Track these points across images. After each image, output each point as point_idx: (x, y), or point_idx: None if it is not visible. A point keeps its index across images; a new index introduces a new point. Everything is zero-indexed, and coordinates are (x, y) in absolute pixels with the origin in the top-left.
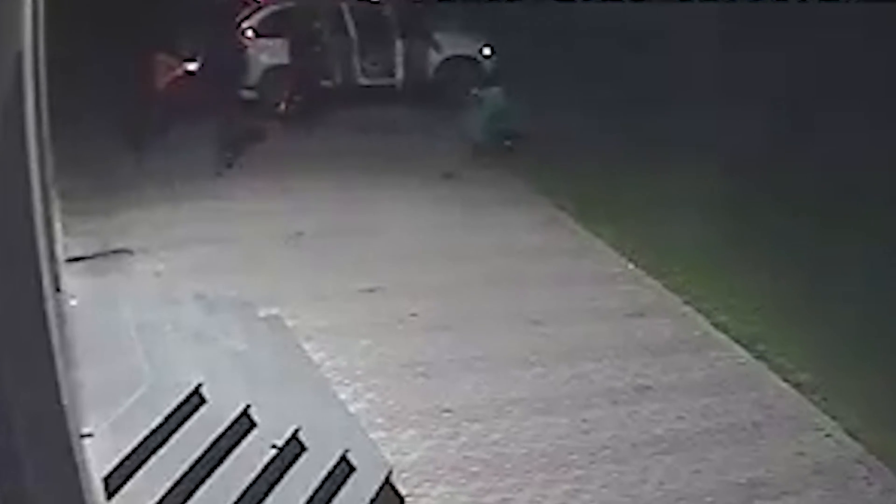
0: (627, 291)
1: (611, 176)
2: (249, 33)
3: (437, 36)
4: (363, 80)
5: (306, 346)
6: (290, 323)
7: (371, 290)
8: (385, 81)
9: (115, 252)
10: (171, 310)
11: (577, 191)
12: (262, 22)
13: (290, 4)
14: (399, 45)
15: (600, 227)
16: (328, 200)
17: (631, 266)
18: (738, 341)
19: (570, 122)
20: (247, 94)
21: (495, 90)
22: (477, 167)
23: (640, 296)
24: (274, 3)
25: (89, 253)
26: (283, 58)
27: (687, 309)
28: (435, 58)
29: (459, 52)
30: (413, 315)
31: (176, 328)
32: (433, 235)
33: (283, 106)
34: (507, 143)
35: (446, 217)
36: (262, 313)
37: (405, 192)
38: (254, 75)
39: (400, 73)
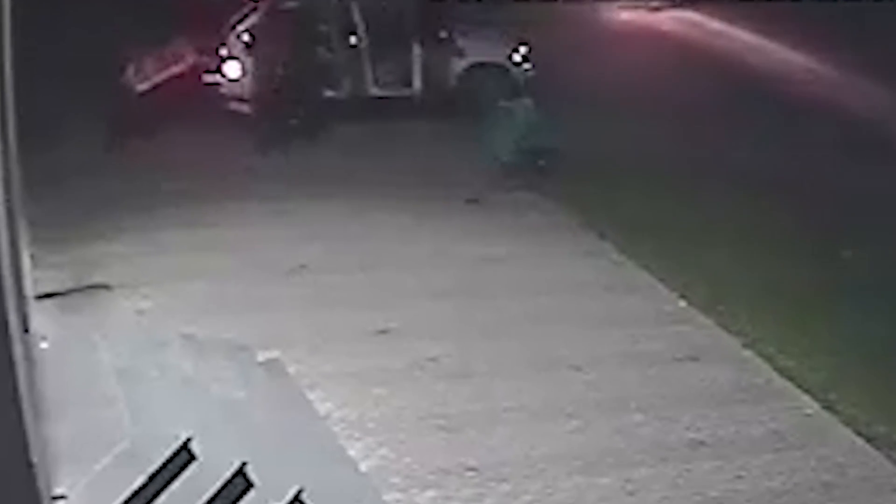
0: (678, 332)
1: (658, 202)
2: (246, 37)
3: (461, 40)
4: (375, 91)
5: (311, 395)
6: (292, 368)
7: (384, 332)
8: (400, 92)
9: (91, 287)
10: (157, 353)
11: (620, 218)
12: (259, 25)
13: (291, 4)
14: (416, 50)
15: (647, 259)
16: (335, 228)
17: (682, 303)
18: (804, 389)
19: (612, 139)
20: (239, 106)
21: (526, 102)
22: (506, 190)
23: (692, 337)
24: (272, 3)
25: (62, 288)
26: (290, 65)
27: (746, 352)
28: (458, 64)
29: (486, 58)
30: (432, 359)
31: (162, 374)
32: (455, 269)
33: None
34: (541, 162)
35: (470, 248)
36: (260, 357)
37: (424, 219)
38: (250, 86)
39: (417, 83)
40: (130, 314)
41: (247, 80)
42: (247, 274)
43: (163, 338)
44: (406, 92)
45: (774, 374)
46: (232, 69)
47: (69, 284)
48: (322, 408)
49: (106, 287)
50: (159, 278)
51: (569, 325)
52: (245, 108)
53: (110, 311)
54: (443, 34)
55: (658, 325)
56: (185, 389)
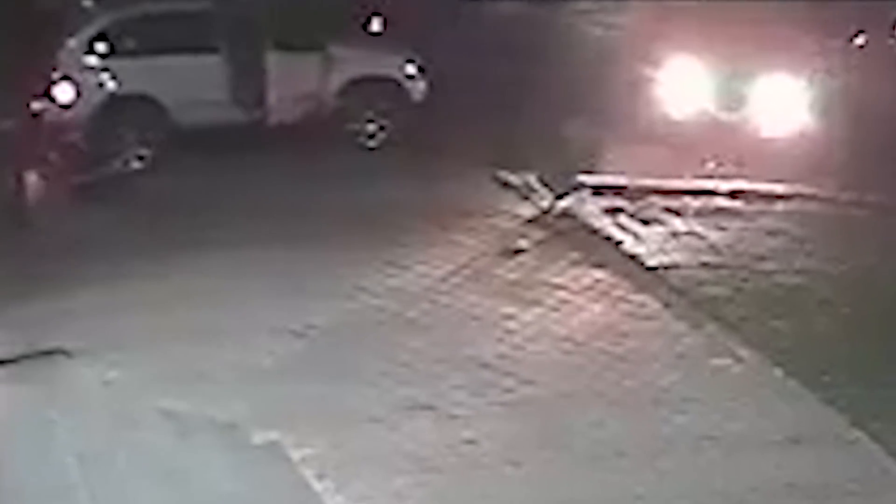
0: (775, 409)
1: None
2: (91, 60)
3: (336, 49)
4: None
5: (318, 487)
6: (295, 454)
7: (411, 408)
8: (250, 116)
9: (46, 353)
10: (128, 434)
11: None
12: (106, 34)
13: (149, 7)
14: (272, 60)
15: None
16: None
17: (778, 372)
18: None
19: None
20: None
21: None
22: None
23: (791, 415)
24: (119, 7)
25: (12, 355)
26: (134, 83)
27: (857, 434)
28: (337, 79)
29: (371, 70)
30: (470, 442)
31: (134, 460)
32: (494, 334)
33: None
34: None
35: (513, 309)
36: (256, 439)
37: (452, 272)
38: (85, 109)
39: (273, 102)
40: (95, 386)
41: (83, 104)
42: (237, 334)
43: (135, 415)
44: (257, 115)
45: (893, 463)
46: (64, 92)
47: (20, 350)
48: (332, 503)
49: (65, 352)
50: (129, 340)
51: (632, 399)
52: (78, 138)
53: (71, 383)
54: (316, 41)
55: (749, 399)
56: (163, 480)
